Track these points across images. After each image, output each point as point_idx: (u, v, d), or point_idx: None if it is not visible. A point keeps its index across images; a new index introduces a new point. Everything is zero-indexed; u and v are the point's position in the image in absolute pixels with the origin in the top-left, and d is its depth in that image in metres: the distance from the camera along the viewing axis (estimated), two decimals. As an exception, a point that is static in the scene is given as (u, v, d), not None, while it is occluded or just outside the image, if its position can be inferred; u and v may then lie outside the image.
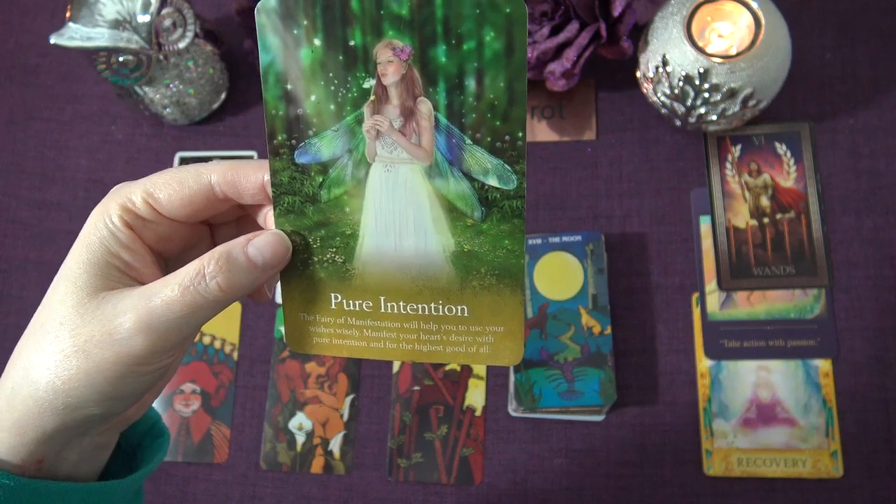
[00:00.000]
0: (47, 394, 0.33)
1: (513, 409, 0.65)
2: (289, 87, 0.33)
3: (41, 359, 0.33)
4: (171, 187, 0.35)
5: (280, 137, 0.35)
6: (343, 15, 0.32)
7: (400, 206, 0.35)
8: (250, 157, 0.75)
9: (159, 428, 0.42)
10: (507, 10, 0.31)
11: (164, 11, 0.67)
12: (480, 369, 0.67)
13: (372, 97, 0.33)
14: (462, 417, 0.66)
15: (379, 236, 0.36)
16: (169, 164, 0.76)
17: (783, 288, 0.65)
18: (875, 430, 0.62)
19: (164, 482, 0.68)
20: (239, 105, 0.77)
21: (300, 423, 0.68)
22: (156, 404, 0.69)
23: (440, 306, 0.36)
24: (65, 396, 0.33)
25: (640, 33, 0.66)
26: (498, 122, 0.33)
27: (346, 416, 0.68)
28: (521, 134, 0.33)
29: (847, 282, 0.65)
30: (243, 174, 0.36)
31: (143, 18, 0.66)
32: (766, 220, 0.67)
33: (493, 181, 0.34)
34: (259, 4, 0.32)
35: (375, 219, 0.35)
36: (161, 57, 0.69)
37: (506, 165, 0.34)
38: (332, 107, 0.33)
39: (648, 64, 0.63)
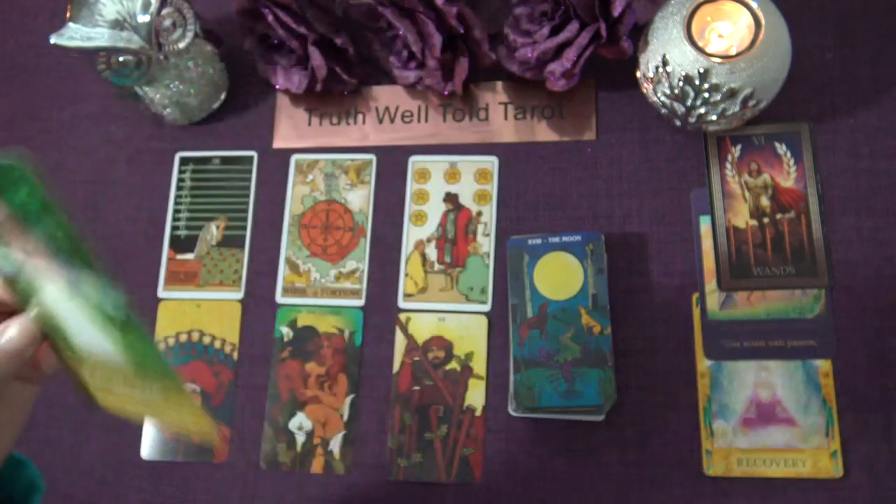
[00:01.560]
0: None
1: (513, 409, 0.65)
2: None
3: None
4: None
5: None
6: None
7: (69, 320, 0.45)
8: (250, 157, 0.75)
9: (36, 485, 0.50)
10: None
11: (164, 11, 0.67)
12: (480, 369, 0.67)
13: None
14: (462, 417, 0.66)
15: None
16: (169, 164, 0.76)
17: (783, 288, 0.65)
18: (875, 430, 0.62)
19: (164, 482, 0.68)
20: (239, 105, 0.77)
21: (300, 423, 0.68)
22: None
23: None
24: None
25: (640, 33, 0.66)
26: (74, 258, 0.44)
27: (346, 416, 0.68)
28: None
29: (847, 282, 0.65)
30: None
31: (143, 18, 0.66)
32: (766, 220, 0.67)
33: (106, 306, 0.43)
34: None
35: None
36: (161, 57, 0.69)
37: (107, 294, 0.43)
38: None
39: (648, 64, 0.63)
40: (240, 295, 0.72)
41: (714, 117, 0.63)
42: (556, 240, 0.66)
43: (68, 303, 0.43)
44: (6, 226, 0.41)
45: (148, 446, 0.69)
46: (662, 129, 0.71)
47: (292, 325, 0.70)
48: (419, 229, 0.71)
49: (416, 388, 0.67)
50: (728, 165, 0.68)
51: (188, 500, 0.67)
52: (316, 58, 0.71)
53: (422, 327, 0.69)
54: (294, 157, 0.75)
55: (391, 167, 0.73)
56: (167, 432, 0.69)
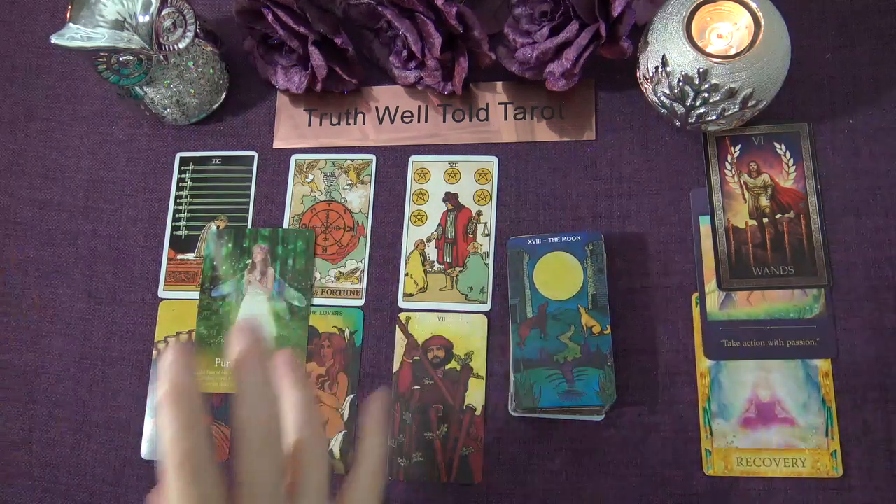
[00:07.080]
0: None
1: (513, 409, 0.65)
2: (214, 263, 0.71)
3: None
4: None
5: (206, 285, 0.71)
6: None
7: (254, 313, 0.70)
8: (250, 157, 0.75)
9: None
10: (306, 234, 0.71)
11: (164, 12, 0.67)
12: (480, 368, 0.67)
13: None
14: (462, 417, 0.66)
15: None
16: (169, 164, 0.76)
17: (783, 288, 0.65)
18: (875, 430, 0.62)
19: (164, 482, 0.68)
20: (239, 105, 0.77)
21: (300, 422, 0.68)
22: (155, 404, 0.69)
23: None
24: None
25: (639, 33, 0.66)
26: (300, 277, 0.70)
27: (346, 416, 0.68)
28: (310, 283, 0.70)
29: (847, 282, 0.65)
30: None
31: (143, 18, 0.66)
32: (765, 220, 0.67)
33: (296, 301, 0.69)
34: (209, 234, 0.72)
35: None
36: (161, 57, 0.69)
37: (302, 296, 0.69)
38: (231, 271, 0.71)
39: (648, 64, 0.63)
40: (240, 295, 0.72)
41: (714, 117, 0.63)
42: (556, 240, 0.66)
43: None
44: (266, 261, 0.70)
45: (148, 446, 0.69)
46: (662, 129, 0.71)
47: (292, 325, 0.70)
48: (419, 229, 0.71)
49: (416, 387, 0.67)
50: (728, 165, 0.68)
51: (188, 500, 0.67)
52: (316, 58, 0.71)
53: (422, 327, 0.69)
54: (294, 157, 0.75)
55: (391, 167, 0.73)
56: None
